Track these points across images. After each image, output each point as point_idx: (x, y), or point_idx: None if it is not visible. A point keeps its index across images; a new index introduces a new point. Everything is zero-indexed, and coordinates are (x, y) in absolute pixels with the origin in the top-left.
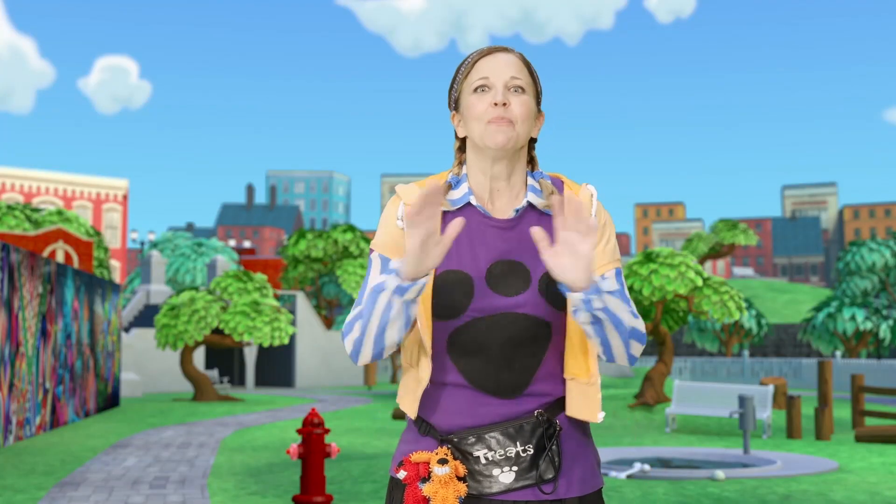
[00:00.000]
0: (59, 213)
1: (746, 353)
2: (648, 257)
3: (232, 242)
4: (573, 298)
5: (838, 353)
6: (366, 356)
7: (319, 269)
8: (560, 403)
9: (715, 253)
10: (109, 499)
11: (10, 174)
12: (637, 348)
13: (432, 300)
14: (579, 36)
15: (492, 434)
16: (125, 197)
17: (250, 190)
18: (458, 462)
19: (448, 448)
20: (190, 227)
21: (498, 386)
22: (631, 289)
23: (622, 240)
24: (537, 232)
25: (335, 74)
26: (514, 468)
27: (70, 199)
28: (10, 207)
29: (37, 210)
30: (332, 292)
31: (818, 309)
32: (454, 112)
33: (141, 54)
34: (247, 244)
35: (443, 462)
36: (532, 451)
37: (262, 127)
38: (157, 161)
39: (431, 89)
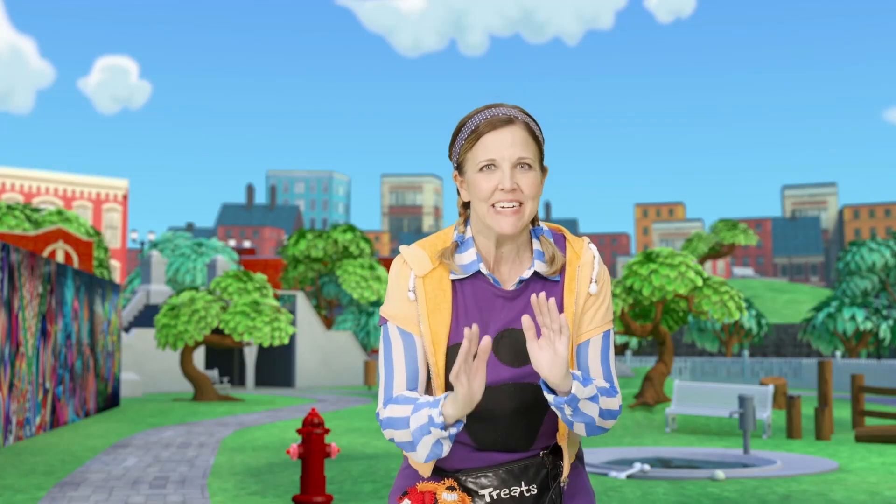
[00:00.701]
0: (59, 213)
1: (746, 353)
2: (648, 257)
3: (232, 242)
4: (547, 398)
5: (838, 353)
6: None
7: (319, 269)
8: (557, 445)
9: (715, 253)
10: (109, 499)
11: (10, 174)
12: (608, 424)
13: (445, 372)
14: (579, 36)
15: (497, 473)
16: (125, 197)
17: (250, 190)
18: (464, 494)
19: (454, 481)
20: (190, 227)
21: (506, 447)
22: (631, 289)
23: (622, 240)
24: (526, 320)
25: (335, 74)
26: None
27: (70, 199)
28: (10, 207)
29: (37, 210)
30: (332, 292)
31: (818, 309)
32: (457, 172)
33: (141, 54)
34: (247, 244)
35: (451, 489)
36: (536, 492)
37: (262, 127)
38: (157, 161)
39: (431, 89)
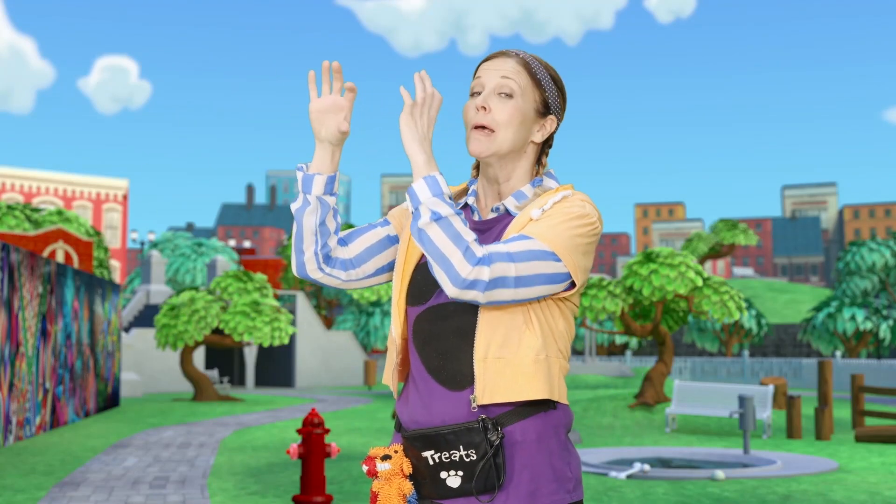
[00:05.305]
0: (59, 213)
1: (746, 353)
2: (648, 257)
3: (232, 242)
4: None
5: (838, 353)
6: (295, 261)
7: None
8: (517, 412)
9: (715, 253)
10: (109, 499)
11: (10, 174)
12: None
13: (410, 279)
14: (579, 36)
15: (438, 435)
16: (125, 197)
17: (250, 190)
18: (407, 460)
19: (402, 445)
20: (190, 227)
21: (450, 376)
22: (631, 289)
23: (622, 240)
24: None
25: None
26: (460, 473)
27: (70, 199)
28: (10, 207)
29: (37, 210)
30: (332, 292)
31: (818, 309)
32: None
33: (141, 54)
34: (247, 244)
35: (385, 458)
36: (475, 457)
37: (262, 127)
38: (157, 161)
39: None
